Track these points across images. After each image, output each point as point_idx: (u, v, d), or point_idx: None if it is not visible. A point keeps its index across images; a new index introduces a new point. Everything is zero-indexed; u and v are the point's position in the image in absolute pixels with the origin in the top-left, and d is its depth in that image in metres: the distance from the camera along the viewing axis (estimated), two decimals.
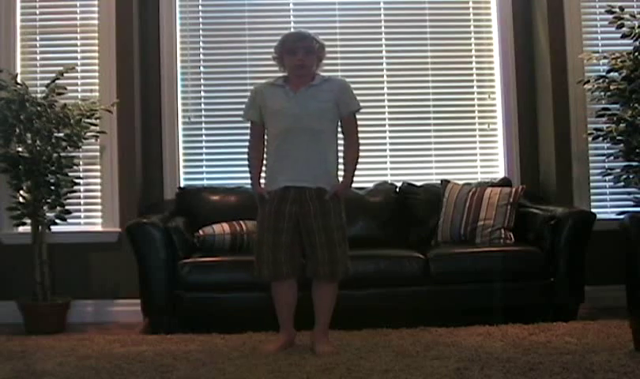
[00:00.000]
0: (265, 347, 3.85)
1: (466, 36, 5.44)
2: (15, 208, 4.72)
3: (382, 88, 5.38)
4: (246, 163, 4.01)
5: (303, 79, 3.85)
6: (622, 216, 4.68)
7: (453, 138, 5.40)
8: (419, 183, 5.18)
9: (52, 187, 4.71)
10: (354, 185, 4.99)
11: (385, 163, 5.36)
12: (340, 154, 3.93)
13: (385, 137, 5.35)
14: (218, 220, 4.75)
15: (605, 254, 4.73)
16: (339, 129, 3.92)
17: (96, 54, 5.06)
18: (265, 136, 3.95)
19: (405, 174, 5.30)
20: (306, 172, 3.77)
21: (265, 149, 3.94)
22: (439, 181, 5.11)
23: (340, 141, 3.95)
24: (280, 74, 3.96)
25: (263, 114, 3.90)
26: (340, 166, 3.93)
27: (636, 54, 4.68)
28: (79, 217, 5.04)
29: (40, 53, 5.09)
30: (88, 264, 5.03)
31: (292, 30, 5.14)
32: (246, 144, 4.02)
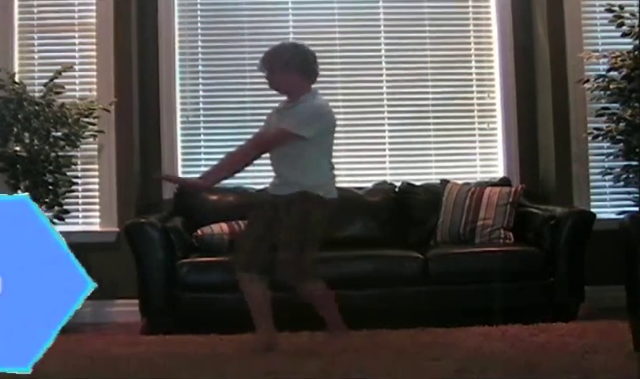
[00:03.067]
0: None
1: (466, 36, 5.42)
2: None
3: (382, 88, 5.34)
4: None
5: (290, 97, 3.80)
6: (622, 216, 4.65)
7: (452, 138, 5.38)
8: (418, 183, 5.15)
9: (50, 187, 4.69)
10: (353, 184, 5.00)
11: (385, 162, 5.32)
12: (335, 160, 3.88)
13: (384, 137, 5.31)
14: (217, 220, 4.74)
15: (605, 254, 4.69)
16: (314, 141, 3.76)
17: (94, 53, 5.04)
18: None
19: (405, 173, 5.27)
20: (280, 182, 3.78)
21: None
22: (439, 181, 5.09)
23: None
24: None
25: None
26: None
27: (636, 52, 4.67)
28: (77, 217, 5.02)
29: (38, 52, 5.07)
30: (86, 264, 4.93)
31: (291, 31, 5.15)
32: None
